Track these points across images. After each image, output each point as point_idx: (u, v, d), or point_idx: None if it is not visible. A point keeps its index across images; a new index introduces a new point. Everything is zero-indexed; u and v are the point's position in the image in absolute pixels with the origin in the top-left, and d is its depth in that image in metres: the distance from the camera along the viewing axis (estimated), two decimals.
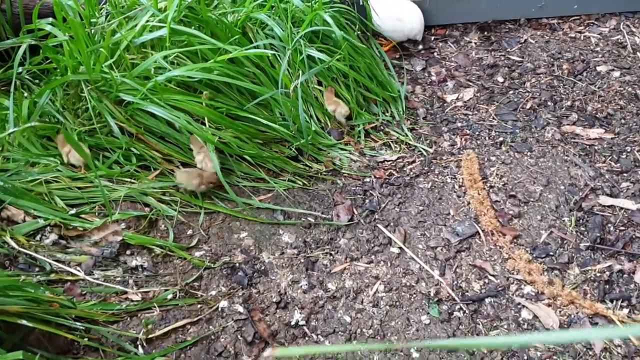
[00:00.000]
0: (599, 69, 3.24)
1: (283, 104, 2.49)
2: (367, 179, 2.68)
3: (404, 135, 2.86)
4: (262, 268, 2.28)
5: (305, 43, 2.67)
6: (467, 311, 2.22)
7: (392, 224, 2.52)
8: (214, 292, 2.17)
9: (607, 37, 3.45)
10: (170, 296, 2.10)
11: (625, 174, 2.69)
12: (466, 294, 2.27)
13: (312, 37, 2.73)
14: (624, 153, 2.79)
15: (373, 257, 2.39)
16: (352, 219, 2.51)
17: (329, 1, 2.79)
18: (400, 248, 2.43)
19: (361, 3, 3.06)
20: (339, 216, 2.52)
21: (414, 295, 2.27)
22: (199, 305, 2.11)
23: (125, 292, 2.05)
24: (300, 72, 2.50)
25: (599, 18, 3.58)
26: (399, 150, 2.81)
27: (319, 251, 2.39)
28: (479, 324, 2.18)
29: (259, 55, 2.55)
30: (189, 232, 2.35)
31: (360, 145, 2.80)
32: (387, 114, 2.94)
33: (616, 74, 3.21)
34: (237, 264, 2.28)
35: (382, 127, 2.90)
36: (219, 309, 2.12)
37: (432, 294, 2.26)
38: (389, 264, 2.37)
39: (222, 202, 2.45)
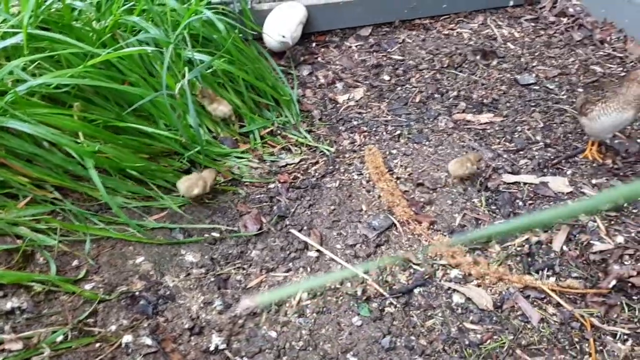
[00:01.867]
0: (476, 59, 3.34)
1: (170, 108, 2.23)
2: (272, 185, 2.48)
3: (302, 138, 2.71)
4: (167, 293, 1.98)
5: (185, 46, 2.45)
6: (398, 305, 2.06)
7: (305, 227, 2.33)
8: (113, 327, 1.83)
9: (478, 32, 3.59)
10: (60, 338, 1.73)
11: (521, 152, 2.73)
12: (394, 287, 2.13)
13: (193, 42, 2.51)
14: (515, 133, 2.85)
15: (291, 264, 2.18)
16: (261, 228, 2.29)
17: (207, 3, 2.60)
18: (318, 251, 2.24)
19: (239, 10, 2.91)
20: (247, 227, 2.28)
21: (341, 298, 2.08)
22: (97, 344, 1.76)
23: (1, 342, 1.65)
24: (186, 72, 2.27)
25: (467, 15, 3.72)
26: (301, 153, 2.65)
27: (229, 267, 2.13)
28: (413, 316, 2.03)
29: (136, 62, 2.29)
30: (75, 262, 2.00)
31: (258, 152, 2.60)
32: (281, 118, 2.77)
33: (493, 62, 3.32)
34: (137, 293, 1.96)
35: (278, 132, 2.73)
36: (123, 345, 1.78)
37: (359, 294, 2.09)
38: (309, 270, 2.17)
39: (110, 226, 2.12)
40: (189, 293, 2.00)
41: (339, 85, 3.08)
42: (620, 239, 2.30)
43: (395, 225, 2.36)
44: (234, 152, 2.54)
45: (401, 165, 2.64)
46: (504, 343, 1.95)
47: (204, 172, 2.31)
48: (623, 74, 3.24)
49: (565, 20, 3.67)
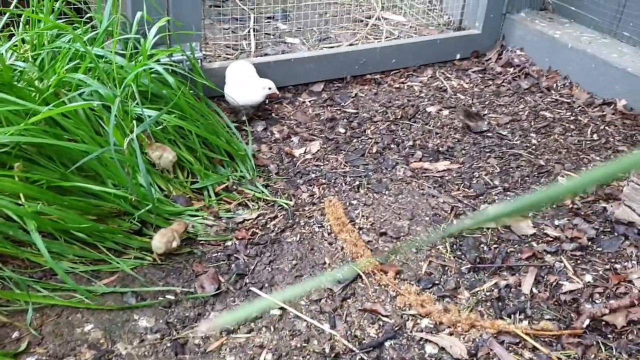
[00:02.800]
0: (429, 110, 3.37)
1: (119, 164, 2.12)
2: (229, 243, 2.37)
3: (260, 192, 2.62)
4: None
5: (133, 103, 2.37)
6: None
7: (266, 284, 2.21)
8: None
9: (428, 85, 3.64)
10: None
11: (481, 197, 2.72)
12: (363, 341, 2.01)
13: (142, 100, 2.43)
14: (473, 179, 2.84)
15: (252, 324, 2.04)
16: (219, 288, 2.16)
17: (156, 61, 2.54)
18: (281, 309, 2.11)
19: (189, 68, 2.86)
20: (204, 287, 2.15)
21: (308, 357, 1.95)
22: None
23: None
24: (135, 127, 2.17)
25: (416, 70, 3.78)
26: (258, 208, 2.56)
27: (187, 330, 1.98)
28: None
29: (82, 120, 2.20)
30: (15, 334, 1.81)
31: (213, 209, 2.49)
32: (236, 173, 2.69)
33: (445, 112, 3.36)
34: None
35: (234, 187, 2.63)
36: None
37: (327, 351, 1.96)
38: (272, 329, 2.04)
39: (55, 293, 1.95)
40: None
41: (295, 139, 3.04)
42: (588, 278, 2.26)
43: (360, 276, 2.27)
44: (188, 210, 2.43)
45: (363, 216, 2.58)
46: None
47: (173, 225, 2.25)
48: (572, 118, 3.32)
49: (511, 70, 3.78)
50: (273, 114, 3.22)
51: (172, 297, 2.08)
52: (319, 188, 2.72)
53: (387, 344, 2.01)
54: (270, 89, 3.02)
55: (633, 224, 2.46)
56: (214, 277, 2.19)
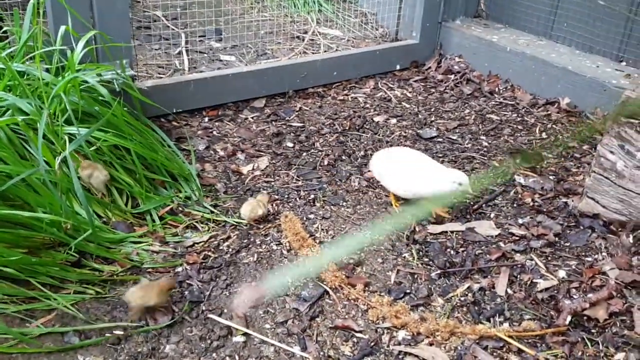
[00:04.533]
0: (376, 119, 3.27)
1: (51, 187, 1.87)
2: (179, 269, 2.14)
3: (209, 213, 2.41)
4: None
5: (62, 120, 2.13)
6: None
7: (225, 310, 1.99)
8: None
9: (372, 95, 3.56)
10: None
11: None
12: None
13: (73, 119, 2.19)
14: None
15: (215, 355, 1.82)
16: (173, 319, 1.92)
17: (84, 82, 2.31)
18: (245, 335, 1.90)
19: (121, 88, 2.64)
20: (156, 319, 1.91)
21: None
22: None
23: None
24: (67, 143, 1.93)
25: (357, 82, 3.70)
26: (209, 230, 2.34)
27: None
28: None
29: (4, 144, 1.94)
30: None
31: (159, 234, 2.26)
32: (181, 195, 2.47)
33: (393, 121, 3.27)
34: None
35: (179, 209, 2.41)
36: None
37: None
38: (237, 358, 1.82)
39: None
40: None
41: (241, 156, 2.85)
42: (562, 274, 2.18)
43: (327, 292, 2.09)
44: (130, 237, 2.19)
45: (322, 229, 2.42)
46: None
47: (258, 196, 2.45)
48: (519, 119, 3.31)
49: (452, 77, 3.76)
50: (214, 132, 3.03)
51: (121, 333, 1.83)
52: (272, 205, 2.54)
53: None
54: (461, 184, 2.39)
55: (598, 216, 2.42)
56: (167, 307, 1.95)
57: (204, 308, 1.99)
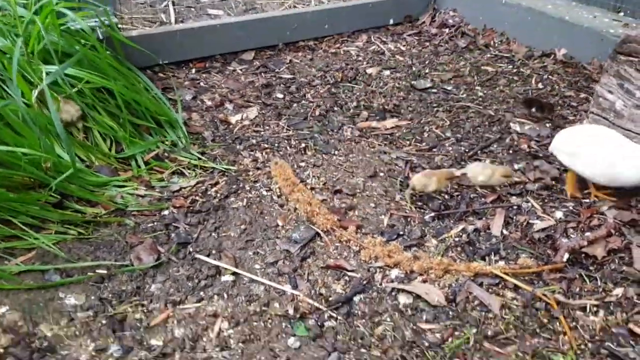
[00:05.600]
0: (369, 71, 3.20)
1: (29, 120, 1.79)
2: (166, 212, 2.08)
3: (196, 159, 2.35)
4: (45, 345, 1.50)
5: (39, 62, 2.05)
6: (339, 317, 1.71)
7: (214, 251, 1.93)
8: None
9: (365, 49, 3.48)
10: None
11: (434, 149, 2.55)
12: (330, 299, 1.77)
13: (50, 59, 2.10)
14: (424, 133, 2.68)
15: (202, 293, 1.77)
16: (159, 259, 1.86)
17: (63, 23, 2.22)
18: (234, 274, 1.85)
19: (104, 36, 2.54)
20: (141, 259, 1.85)
21: (270, 321, 1.69)
22: None
23: None
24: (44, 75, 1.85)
25: (350, 36, 3.61)
26: (196, 175, 2.28)
27: (125, 305, 1.68)
28: (359, 326, 1.69)
29: None
30: None
31: (144, 178, 2.19)
32: (167, 142, 2.40)
33: (387, 72, 3.20)
34: (2, 350, 1.45)
35: (165, 155, 2.34)
36: None
37: (291, 312, 1.71)
38: (225, 296, 1.77)
39: None
40: (74, 341, 1.52)
41: (229, 106, 2.78)
42: (559, 214, 2.13)
43: (318, 235, 2.03)
44: (114, 181, 2.12)
45: (313, 176, 2.35)
46: (468, 338, 1.64)
47: (436, 171, 2.26)
48: (514, 70, 3.24)
49: (447, 30, 3.68)
50: (202, 83, 2.95)
51: (104, 272, 1.77)
52: (262, 153, 2.47)
53: (356, 298, 1.78)
54: None
55: None
56: (152, 247, 1.89)
57: (191, 249, 1.93)
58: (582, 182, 2.22)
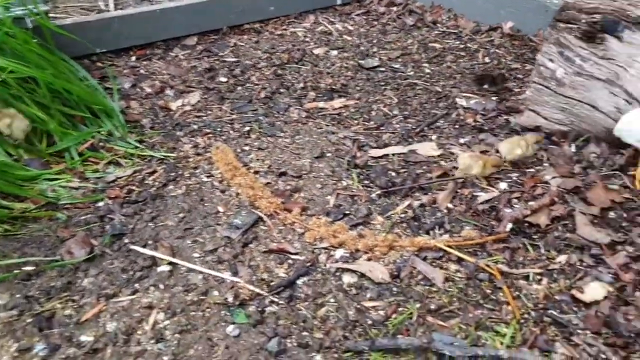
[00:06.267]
0: (316, 52, 3.13)
1: None
2: (100, 204, 1.99)
3: (133, 148, 2.26)
4: None
5: None
6: (281, 302, 1.66)
7: (150, 242, 1.86)
8: None
9: (312, 30, 3.41)
10: None
11: (382, 128, 2.51)
12: (272, 283, 1.72)
13: None
14: (372, 112, 2.63)
15: (137, 285, 1.70)
16: (92, 252, 1.79)
17: None
18: (170, 264, 1.78)
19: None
20: (72, 253, 1.77)
21: (208, 310, 1.63)
22: None
23: None
24: None
25: (297, 17, 3.54)
26: (133, 164, 2.19)
27: (54, 302, 1.60)
28: (301, 309, 1.64)
29: None
30: None
31: (78, 170, 2.10)
32: (102, 132, 2.31)
33: (334, 52, 3.14)
34: None
35: (101, 145, 2.25)
36: None
37: (230, 300, 1.66)
38: (161, 287, 1.70)
39: None
40: None
41: (170, 92, 2.69)
42: (503, 186, 2.11)
43: (261, 219, 1.98)
44: (45, 174, 2.03)
45: (257, 159, 2.29)
46: (412, 313, 1.61)
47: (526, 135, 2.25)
48: (462, 46, 3.21)
49: (395, 9, 3.63)
50: (142, 71, 2.85)
51: (32, 269, 1.69)
52: (203, 138, 2.40)
53: (299, 281, 1.73)
54: None
55: (539, 128, 2.35)
56: (85, 240, 1.81)
57: (126, 241, 1.86)
58: None
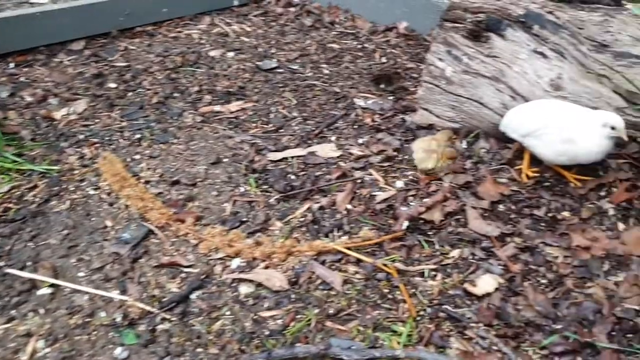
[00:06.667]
0: (212, 54, 3.05)
1: None
2: None
3: (10, 163, 2.09)
4: None
5: None
6: (173, 318, 1.59)
7: (29, 263, 1.73)
8: None
9: (208, 31, 3.32)
10: None
11: (281, 130, 2.47)
12: (164, 300, 1.64)
13: None
14: (270, 114, 2.59)
15: (14, 312, 1.57)
16: None
17: None
18: (52, 286, 1.66)
19: None
20: None
21: (95, 333, 1.53)
22: None
23: None
24: None
25: (192, 19, 3.43)
26: (10, 180, 2.03)
27: None
28: (195, 325, 1.57)
29: None
30: None
31: None
32: None
33: (231, 54, 3.07)
34: None
35: None
36: None
37: (119, 320, 1.57)
38: (42, 312, 1.58)
39: None
40: None
41: (53, 101, 2.52)
42: (400, 184, 2.13)
43: (152, 232, 1.88)
44: None
45: (149, 168, 2.18)
46: (310, 319, 1.58)
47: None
48: (359, 47, 3.23)
49: (293, 9, 3.61)
50: (22, 78, 2.66)
51: None
52: (90, 148, 2.26)
53: (193, 295, 1.66)
54: (614, 128, 1.84)
55: (433, 126, 2.39)
56: None
57: (2, 264, 1.71)
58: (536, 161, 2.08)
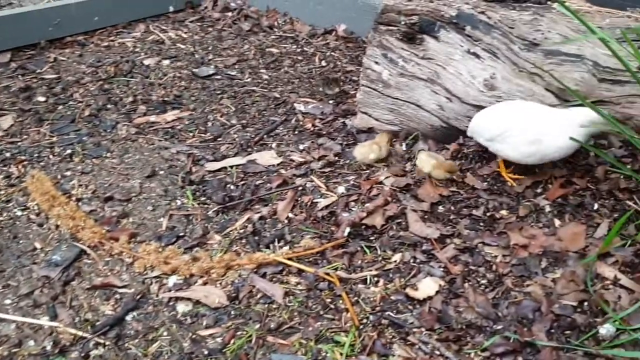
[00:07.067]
0: (147, 62, 2.97)
1: None
2: None
3: None
4: None
5: None
6: (107, 342, 1.51)
7: None
8: None
9: (143, 39, 3.23)
10: None
11: (219, 139, 2.42)
12: (97, 323, 1.57)
13: None
14: (208, 123, 2.53)
15: None
16: None
17: None
18: None
19: None
20: None
21: None
22: None
23: None
24: None
25: (126, 27, 3.34)
26: None
27: None
28: (131, 348, 1.51)
29: None
30: None
31: None
32: None
33: (166, 62, 2.99)
34: None
35: None
36: None
37: (49, 348, 1.49)
38: None
39: None
40: None
41: None
42: (341, 190, 2.11)
43: (84, 252, 1.80)
44: None
45: (80, 185, 2.10)
46: (251, 336, 1.54)
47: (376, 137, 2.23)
48: (299, 50, 3.20)
49: (230, 14, 3.56)
50: None
51: None
52: (17, 167, 2.16)
53: (128, 317, 1.60)
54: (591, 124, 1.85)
55: (372, 129, 2.38)
56: None
57: None
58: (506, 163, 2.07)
